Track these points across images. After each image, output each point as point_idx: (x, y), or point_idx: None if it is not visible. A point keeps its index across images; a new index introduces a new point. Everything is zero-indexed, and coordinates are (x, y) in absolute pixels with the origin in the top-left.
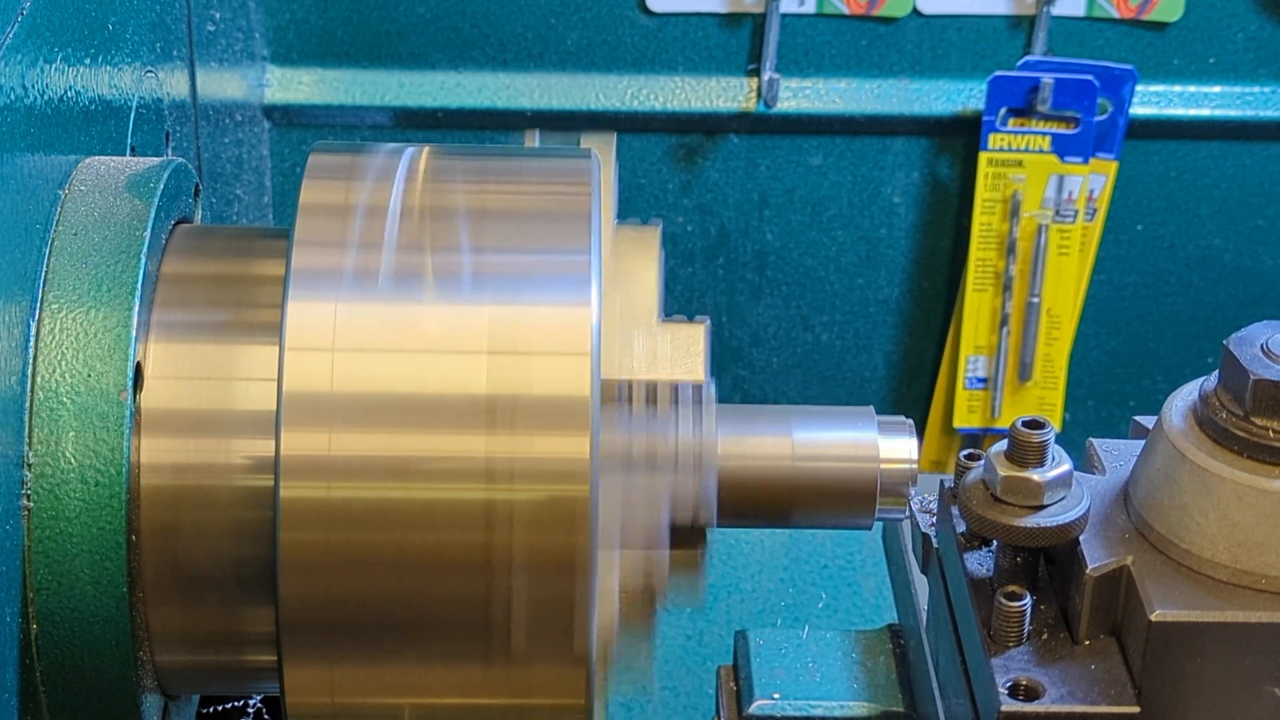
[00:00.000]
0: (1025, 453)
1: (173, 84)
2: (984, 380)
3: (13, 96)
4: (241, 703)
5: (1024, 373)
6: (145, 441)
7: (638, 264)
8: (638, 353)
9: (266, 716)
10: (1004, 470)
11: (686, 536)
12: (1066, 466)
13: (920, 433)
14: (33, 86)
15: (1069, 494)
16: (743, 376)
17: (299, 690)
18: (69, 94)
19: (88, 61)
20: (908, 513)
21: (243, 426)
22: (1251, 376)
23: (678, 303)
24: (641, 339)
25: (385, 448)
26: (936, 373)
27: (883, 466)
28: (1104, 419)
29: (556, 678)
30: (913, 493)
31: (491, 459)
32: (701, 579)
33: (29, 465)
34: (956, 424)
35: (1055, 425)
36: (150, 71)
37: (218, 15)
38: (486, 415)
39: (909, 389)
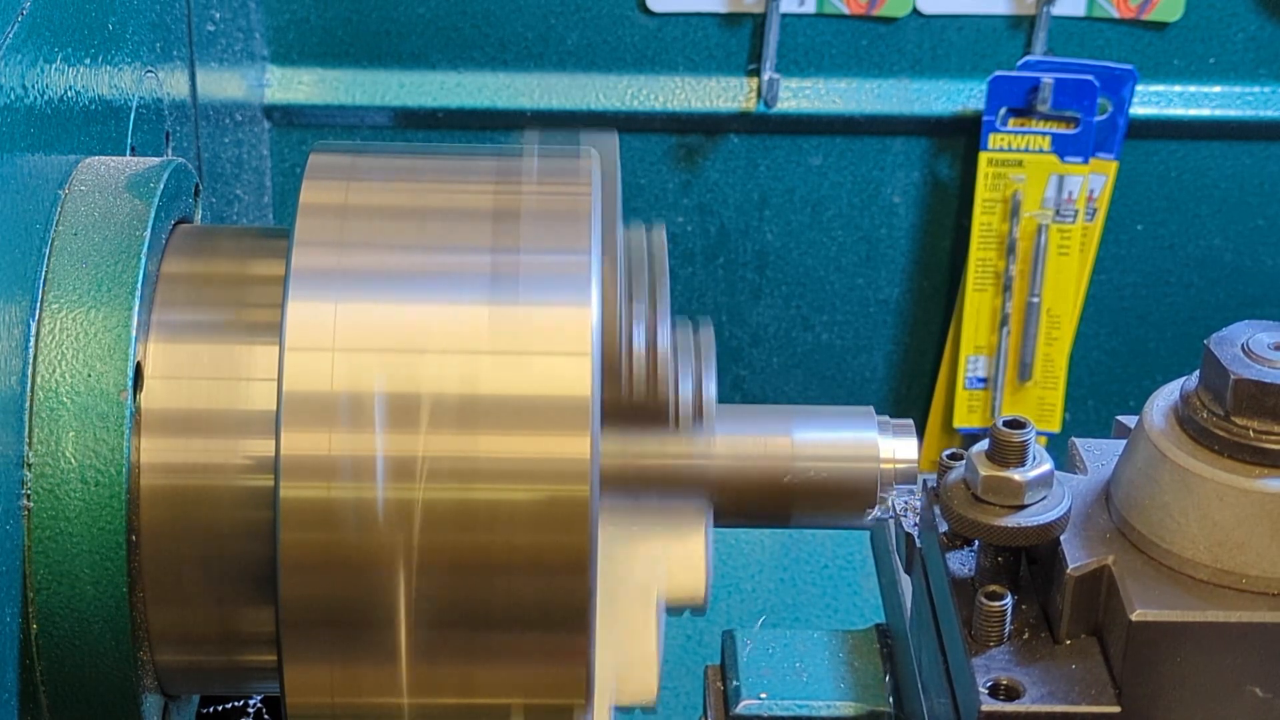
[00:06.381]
0: (1006, 452)
1: (173, 84)
2: (984, 380)
3: (13, 96)
4: (241, 703)
5: (1024, 373)
6: (145, 441)
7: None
8: (640, 353)
9: (266, 716)
10: (985, 470)
11: (686, 536)
12: (1047, 466)
13: (920, 433)
14: (33, 86)
15: (1050, 494)
16: (743, 376)
17: (299, 690)
18: (69, 94)
19: (88, 61)
20: (892, 513)
21: (243, 426)
22: (1232, 376)
23: (678, 303)
24: (643, 339)
25: (385, 448)
26: (936, 373)
27: (883, 466)
28: (1104, 419)
29: (556, 677)
30: (894, 492)
31: (492, 459)
32: (705, 581)
33: (29, 465)
34: (956, 424)
35: (1055, 425)
36: (150, 71)
37: (218, 15)
38: (486, 415)
39: (909, 389)
